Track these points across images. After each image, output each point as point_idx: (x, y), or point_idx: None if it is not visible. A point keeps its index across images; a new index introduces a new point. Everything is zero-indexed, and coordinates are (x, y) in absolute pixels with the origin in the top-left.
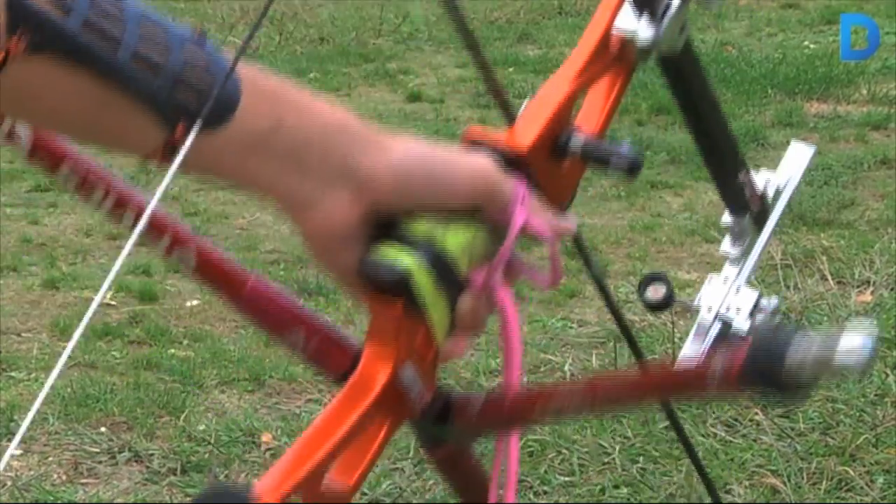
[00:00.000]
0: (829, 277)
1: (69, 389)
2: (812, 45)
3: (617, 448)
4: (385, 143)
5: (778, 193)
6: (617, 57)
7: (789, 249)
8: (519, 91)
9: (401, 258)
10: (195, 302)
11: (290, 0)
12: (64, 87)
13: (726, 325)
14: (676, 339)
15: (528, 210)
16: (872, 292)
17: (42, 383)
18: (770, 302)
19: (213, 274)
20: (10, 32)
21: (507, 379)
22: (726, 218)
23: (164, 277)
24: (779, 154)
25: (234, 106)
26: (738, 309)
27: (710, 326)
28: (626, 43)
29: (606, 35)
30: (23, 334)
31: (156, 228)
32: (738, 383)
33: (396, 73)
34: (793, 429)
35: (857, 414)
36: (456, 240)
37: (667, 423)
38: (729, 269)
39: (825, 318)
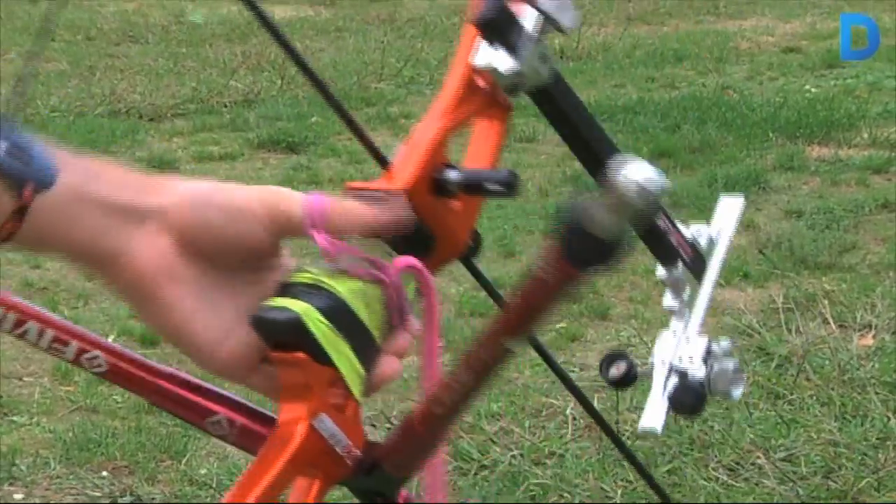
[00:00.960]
0: (831, 321)
1: (71, 434)
2: (813, 90)
3: (619, 492)
4: (172, 182)
5: (713, 243)
6: (490, 92)
7: (791, 293)
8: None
9: (289, 304)
10: None
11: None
12: None
13: (683, 375)
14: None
15: (323, 226)
16: (874, 336)
17: (44, 427)
18: (721, 345)
19: (123, 377)
20: None
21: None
22: (659, 271)
23: None
24: (780, 198)
25: (49, 180)
26: (691, 358)
27: (668, 379)
28: (492, 79)
29: (469, 71)
30: (24, 378)
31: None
32: (563, 262)
33: (398, 116)
34: (795, 472)
35: (859, 458)
36: (345, 286)
37: (669, 466)
38: (675, 323)
39: (827, 362)
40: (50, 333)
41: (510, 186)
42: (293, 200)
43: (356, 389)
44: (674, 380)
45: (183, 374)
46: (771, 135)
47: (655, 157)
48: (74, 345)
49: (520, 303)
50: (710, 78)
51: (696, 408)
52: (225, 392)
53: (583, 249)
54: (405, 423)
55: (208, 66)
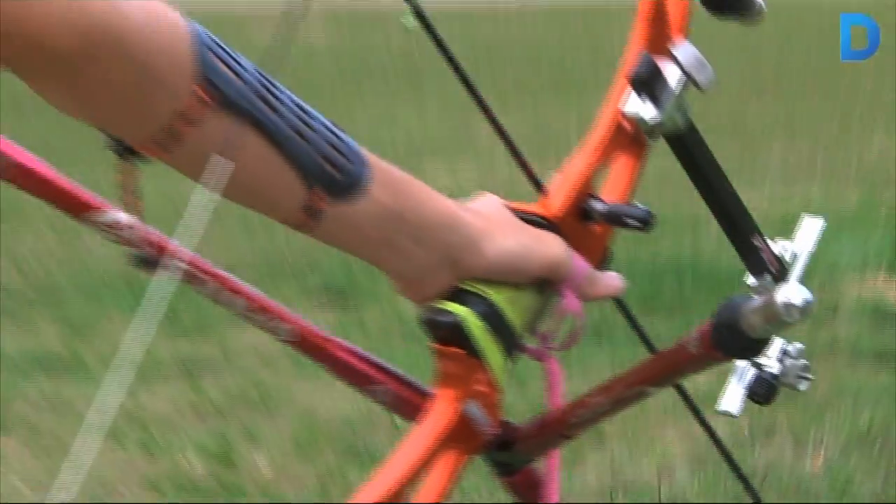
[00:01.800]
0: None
1: None
2: None
3: None
4: (483, 245)
5: (795, 256)
6: (632, 135)
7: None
8: None
9: (453, 308)
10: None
11: None
12: (229, 131)
13: (759, 368)
14: None
15: (574, 292)
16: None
17: None
18: (795, 346)
19: (304, 344)
20: (195, 80)
21: (552, 403)
22: (750, 279)
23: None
24: None
25: (360, 184)
26: (768, 356)
27: (746, 370)
28: (636, 124)
29: (618, 116)
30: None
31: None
32: (712, 347)
33: None
34: None
35: None
36: (501, 295)
37: None
38: None
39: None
40: (246, 304)
41: (647, 223)
42: (569, 268)
43: (500, 379)
44: (751, 372)
45: (355, 348)
46: None
47: None
48: (271, 316)
49: (666, 363)
50: None
51: (768, 397)
52: (387, 365)
53: (732, 343)
54: (542, 418)
55: None
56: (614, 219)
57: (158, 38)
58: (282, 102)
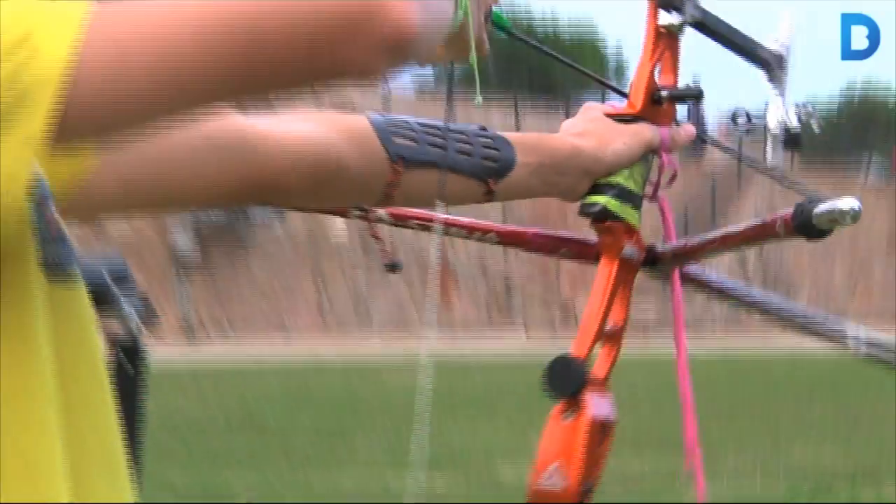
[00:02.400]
0: None
1: None
2: None
3: None
4: (601, 156)
5: (788, 52)
6: (668, 38)
7: None
8: None
9: (596, 199)
10: None
11: None
12: (424, 177)
13: (785, 128)
14: None
15: (665, 151)
16: None
17: None
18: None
19: (507, 239)
20: (391, 162)
21: (667, 235)
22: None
23: None
24: None
25: (512, 162)
26: (788, 113)
27: (778, 134)
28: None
29: (656, 28)
30: None
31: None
32: (792, 228)
33: None
34: None
35: None
36: (621, 177)
37: None
38: (774, 97)
39: None
40: (482, 234)
41: (699, 94)
42: (657, 139)
43: (637, 224)
44: (781, 126)
45: (539, 229)
46: None
47: None
48: (484, 231)
49: (760, 231)
50: None
51: (798, 140)
52: (564, 233)
53: (805, 231)
54: (675, 248)
55: None
56: (676, 98)
57: (361, 148)
58: (445, 139)
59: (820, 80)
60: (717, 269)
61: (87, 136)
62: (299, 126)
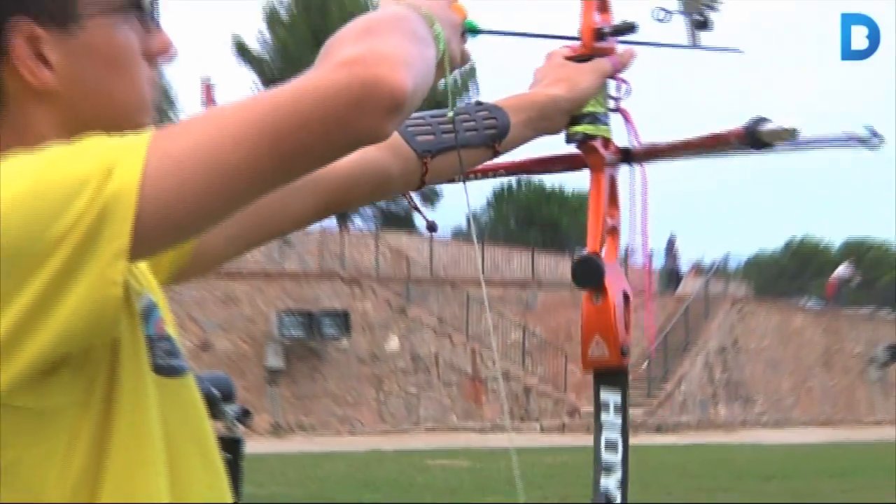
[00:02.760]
0: None
1: None
2: None
3: None
4: (570, 96)
5: None
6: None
7: None
8: None
9: (575, 130)
10: None
11: None
12: (445, 158)
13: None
14: None
15: (616, 70)
16: None
17: None
18: None
19: (513, 169)
20: (420, 158)
21: (633, 137)
22: None
23: None
24: None
25: (507, 125)
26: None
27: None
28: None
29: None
30: None
31: None
32: (741, 139)
33: None
34: None
35: None
36: (590, 105)
37: None
38: None
39: None
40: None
41: (632, 27)
42: (609, 67)
43: (609, 136)
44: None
45: (531, 157)
46: None
47: None
48: (486, 170)
49: (716, 140)
50: None
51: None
52: (554, 154)
53: (754, 143)
54: (648, 148)
55: None
56: (615, 31)
57: (397, 155)
58: (453, 122)
59: (769, 237)
60: (689, 380)
61: (167, 236)
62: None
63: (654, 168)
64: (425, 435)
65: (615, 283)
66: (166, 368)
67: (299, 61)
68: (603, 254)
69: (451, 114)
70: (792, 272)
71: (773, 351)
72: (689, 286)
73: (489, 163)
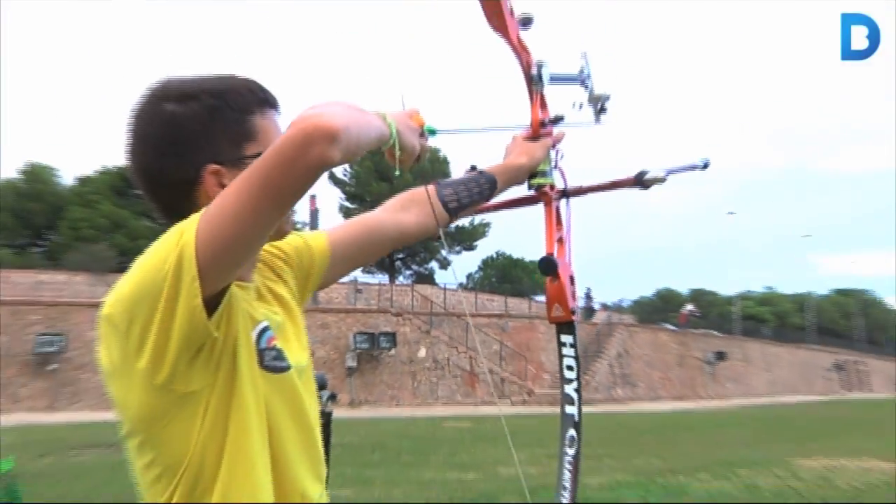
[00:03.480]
0: None
1: None
2: None
3: None
4: (529, 163)
5: None
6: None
7: None
8: None
9: (535, 182)
10: None
11: None
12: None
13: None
14: None
15: (555, 143)
16: None
17: None
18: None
19: (486, 208)
20: (450, 215)
21: (566, 184)
22: None
23: None
24: None
25: (495, 184)
26: None
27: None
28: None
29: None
30: None
31: None
32: (632, 183)
33: None
34: None
35: None
36: (542, 165)
37: None
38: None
39: None
40: None
41: (561, 118)
42: (550, 142)
43: (553, 183)
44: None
45: (506, 200)
46: None
47: None
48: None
49: (619, 181)
50: None
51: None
52: (519, 197)
53: (639, 179)
54: (576, 189)
55: None
56: (552, 122)
57: (432, 216)
58: (467, 188)
59: (646, 287)
60: (599, 373)
61: (219, 260)
62: (397, 212)
63: (579, 232)
64: (441, 407)
65: (564, 271)
66: (272, 367)
67: (367, 184)
68: (556, 254)
69: (398, 172)
70: (659, 308)
71: (649, 356)
72: (599, 317)
73: (485, 204)
